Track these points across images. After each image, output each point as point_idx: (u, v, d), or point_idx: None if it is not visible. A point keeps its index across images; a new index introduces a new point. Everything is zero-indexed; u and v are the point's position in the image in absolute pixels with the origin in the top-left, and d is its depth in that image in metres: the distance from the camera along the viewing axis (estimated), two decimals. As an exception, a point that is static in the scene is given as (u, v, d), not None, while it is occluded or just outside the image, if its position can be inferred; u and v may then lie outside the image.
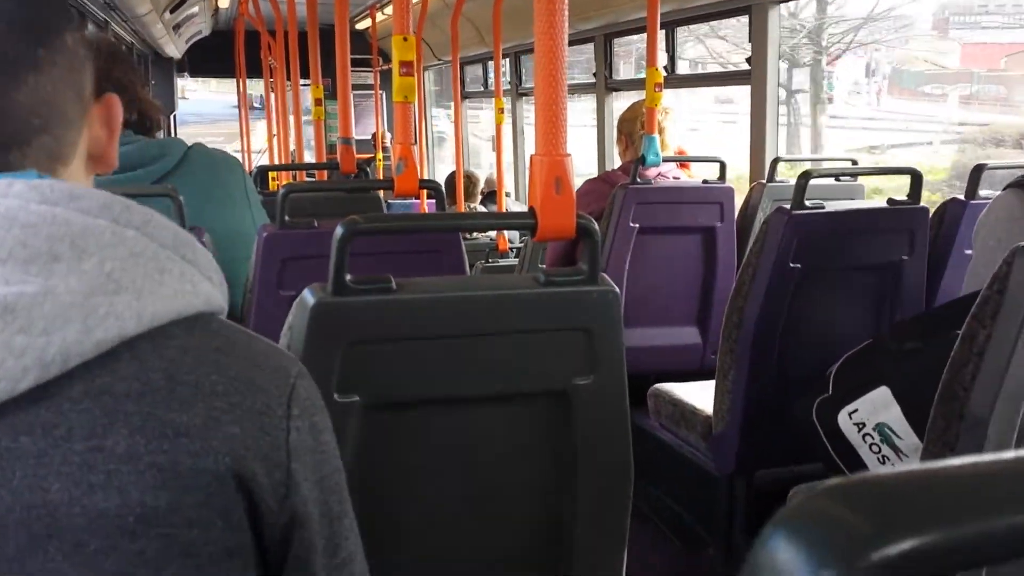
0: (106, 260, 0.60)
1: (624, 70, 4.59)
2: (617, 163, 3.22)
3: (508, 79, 5.98)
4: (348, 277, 1.06)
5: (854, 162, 2.84)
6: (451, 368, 1.11)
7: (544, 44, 1.13)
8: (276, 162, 5.90)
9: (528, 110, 6.18)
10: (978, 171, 2.16)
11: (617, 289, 1.14)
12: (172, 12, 5.19)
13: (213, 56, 8.37)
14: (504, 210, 4.72)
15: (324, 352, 1.06)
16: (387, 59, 7.92)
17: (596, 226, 1.15)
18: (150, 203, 1.53)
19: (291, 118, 4.43)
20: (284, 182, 4.44)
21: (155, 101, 1.65)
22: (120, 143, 1.57)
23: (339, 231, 1.06)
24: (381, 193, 2.89)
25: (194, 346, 0.63)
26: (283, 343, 1.10)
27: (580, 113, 4.97)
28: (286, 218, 1.64)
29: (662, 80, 2.72)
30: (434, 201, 1.74)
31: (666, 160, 2.84)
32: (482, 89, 7.12)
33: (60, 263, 0.58)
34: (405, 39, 1.68)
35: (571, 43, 2.07)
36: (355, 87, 3.42)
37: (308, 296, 1.07)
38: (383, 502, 1.16)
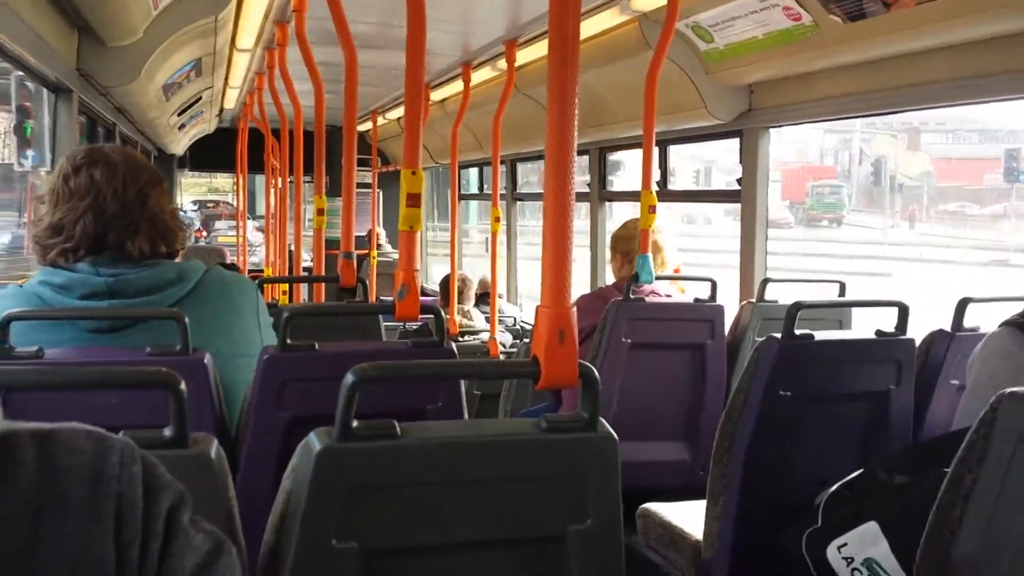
0: None
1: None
2: (610, 273, 3.29)
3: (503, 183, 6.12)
4: (355, 423, 1.09)
5: (842, 286, 2.91)
6: (450, 514, 1.13)
7: (553, 202, 1.19)
8: (272, 260, 5.97)
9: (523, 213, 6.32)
10: (963, 304, 2.22)
11: (616, 436, 1.17)
12: (180, 115, 5.34)
13: (214, 151, 8.54)
14: (497, 311, 4.77)
15: (327, 498, 1.08)
16: (385, 160, 8.10)
17: (597, 375, 1.18)
18: (162, 326, 1.57)
19: (290, 214, 4.51)
20: (281, 288, 4.49)
21: (182, 228, 1.70)
22: (140, 267, 1.62)
23: (348, 379, 1.09)
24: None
25: None
26: (285, 486, 1.12)
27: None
28: (288, 340, 1.68)
29: (656, 203, 2.81)
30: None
31: (659, 278, 2.91)
32: (476, 192, 7.28)
33: None
34: (414, 173, 1.74)
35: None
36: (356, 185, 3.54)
37: (314, 441, 1.09)
38: None
